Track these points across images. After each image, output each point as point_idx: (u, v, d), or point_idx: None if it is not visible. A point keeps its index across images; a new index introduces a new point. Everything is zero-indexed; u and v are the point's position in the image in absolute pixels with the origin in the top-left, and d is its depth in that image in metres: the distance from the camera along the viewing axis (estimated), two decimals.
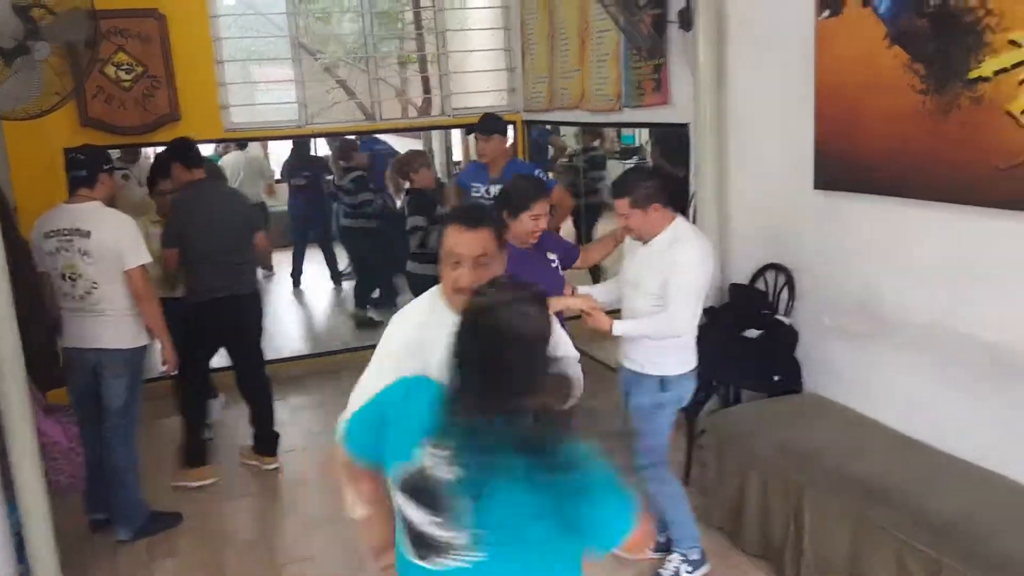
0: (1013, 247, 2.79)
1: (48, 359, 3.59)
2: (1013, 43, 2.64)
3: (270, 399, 4.68)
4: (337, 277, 8.51)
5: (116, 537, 3.87)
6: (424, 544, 1.56)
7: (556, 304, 2.77)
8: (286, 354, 6.29)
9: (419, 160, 5.40)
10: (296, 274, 8.59)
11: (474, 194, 4.89)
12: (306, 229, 8.48)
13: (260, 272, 5.23)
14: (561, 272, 3.46)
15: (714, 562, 3.42)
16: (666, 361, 3.10)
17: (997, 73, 2.72)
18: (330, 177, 8.09)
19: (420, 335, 1.93)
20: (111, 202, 3.90)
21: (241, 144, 8.87)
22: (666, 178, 3.24)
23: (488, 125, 4.85)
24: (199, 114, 5.54)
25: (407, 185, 5.33)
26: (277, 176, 9.07)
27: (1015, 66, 2.65)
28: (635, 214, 3.04)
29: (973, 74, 2.79)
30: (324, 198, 8.32)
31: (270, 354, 5.14)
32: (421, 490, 1.52)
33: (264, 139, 7.61)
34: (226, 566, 3.70)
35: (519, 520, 1.46)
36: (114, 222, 3.68)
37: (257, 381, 4.64)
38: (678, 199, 4.59)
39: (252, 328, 4.58)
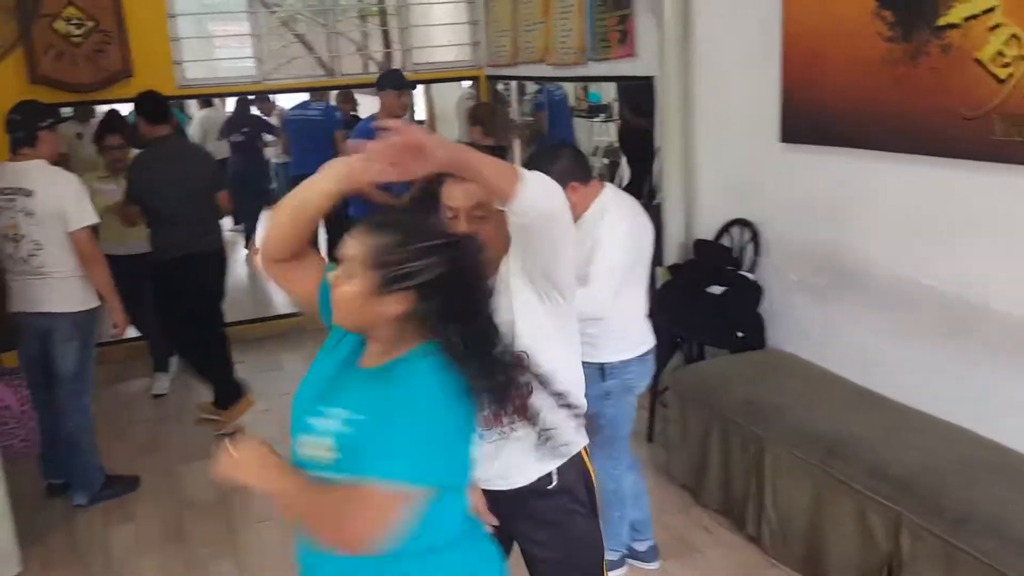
0: (978, 199, 2.75)
1: None
2: None
3: (229, 354, 4.69)
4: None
5: (73, 502, 3.80)
6: None
7: None
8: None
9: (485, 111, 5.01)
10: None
11: None
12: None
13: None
14: None
15: (676, 518, 3.43)
16: (604, 347, 2.80)
17: (967, 20, 2.65)
18: (270, 137, 7.90)
19: None
20: (61, 160, 3.76)
21: (206, 101, 8.66)
22: (575, 149, 2.87)
23: (379, 81, 4.97)
24: (152, 70, 5.35)
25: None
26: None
27: (985, 12, 2.58)
28: None
29: (942, 21, 2.72)
30: (261, 158, 8.01)
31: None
32: None
33: (219, 96, 7.41)
34: (185, 529, 3.65)
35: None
36: (57, 181, 3.53)
37: (217, 340, 4.63)
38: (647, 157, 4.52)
39: (212, 288, 4.57)
